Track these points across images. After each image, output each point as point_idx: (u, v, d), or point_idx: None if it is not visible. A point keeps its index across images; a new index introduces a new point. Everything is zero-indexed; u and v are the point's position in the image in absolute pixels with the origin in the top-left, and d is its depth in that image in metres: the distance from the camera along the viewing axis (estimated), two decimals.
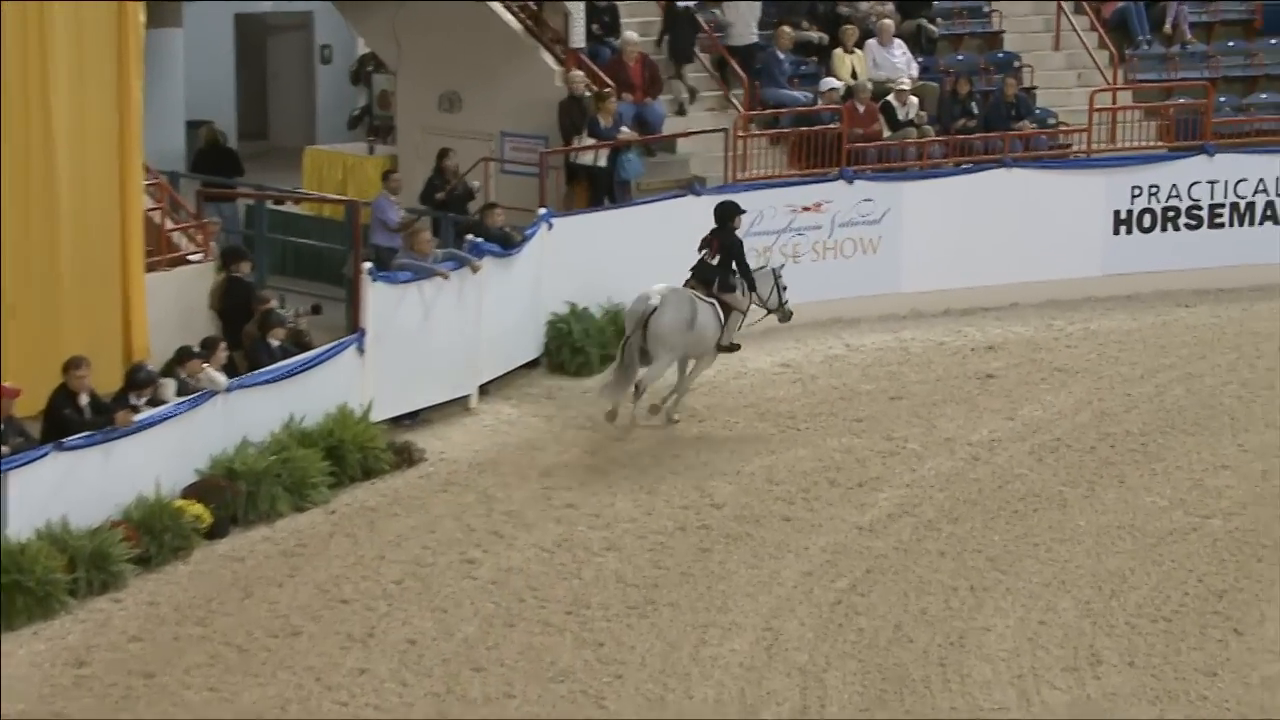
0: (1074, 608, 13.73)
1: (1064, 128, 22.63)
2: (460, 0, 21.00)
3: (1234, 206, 22.04)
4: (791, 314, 17.97)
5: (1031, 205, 21.10)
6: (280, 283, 18.97)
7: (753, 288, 17.61)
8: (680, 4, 21.65)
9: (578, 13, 21.15)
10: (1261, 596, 13.87)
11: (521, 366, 18.60)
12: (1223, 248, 21.89)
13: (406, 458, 16.37)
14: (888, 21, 22.70)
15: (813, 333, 19.81)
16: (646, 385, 17.41)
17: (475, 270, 17.48)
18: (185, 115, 24.14)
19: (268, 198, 20.47)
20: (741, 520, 15.30)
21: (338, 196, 21.16)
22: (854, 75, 22.19)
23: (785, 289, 17.88)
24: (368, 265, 16.80)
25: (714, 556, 14.60)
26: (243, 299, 16.75)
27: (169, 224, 17.83)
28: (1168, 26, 24.21)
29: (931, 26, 23.38)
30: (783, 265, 18.31)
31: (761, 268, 18.02)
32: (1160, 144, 22.65)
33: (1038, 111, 22.74)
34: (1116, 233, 21.73)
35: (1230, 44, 24.49)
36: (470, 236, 17.93)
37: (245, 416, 15.37)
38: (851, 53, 22.37)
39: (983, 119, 22.12)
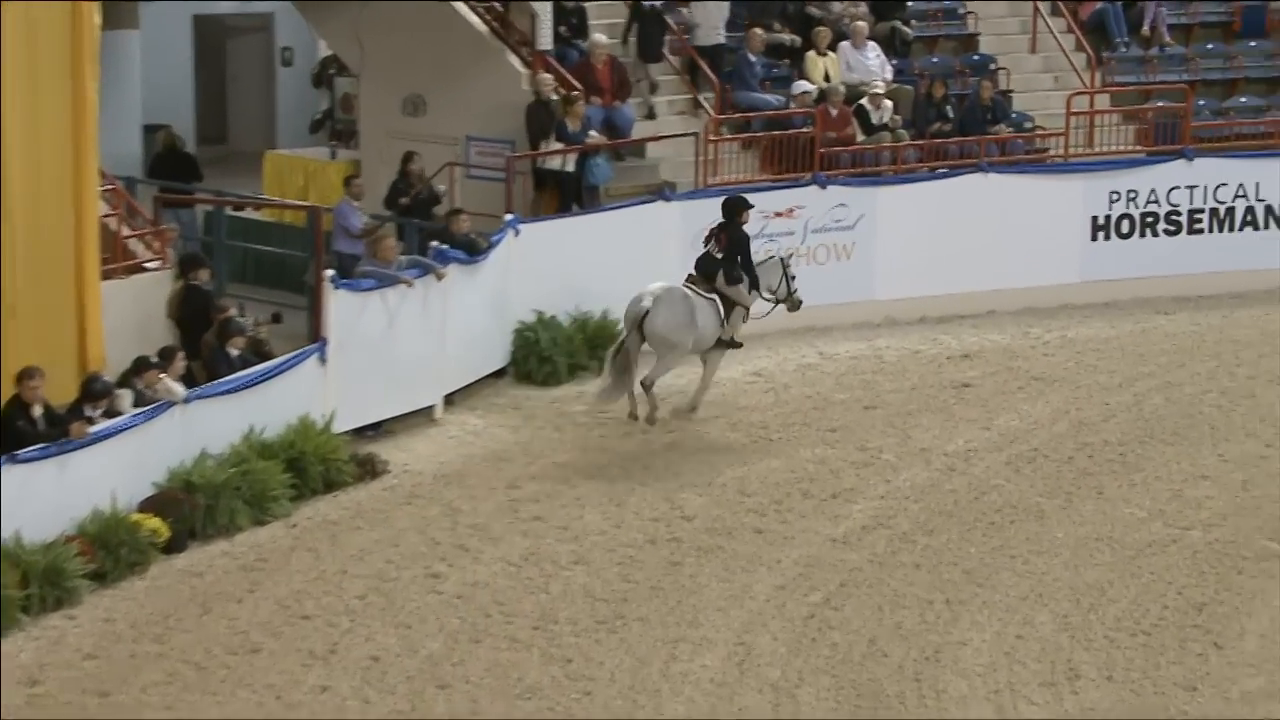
0: (1051, 621, 13.76)
1: (1041, 132, 22.71)
2: (424, 1, 21.00)
3: (1213, 212, 22.13)
4: (801, 302, 18.12)
5: (1008, 211, 21.16)
6: (240, 291, 18.94)
7: (755, 285, 17.72)
8: (646, 3, 21.67)
9: (545, 14, 21.16)
10: (1242, 610, 13.92)
11: (487, 376, 18.58)
12: (1202, 254, 21.97)
13: (369, 470, 16.34)
14: (861, 23, 22.75)
15: (785, 341, 19.82)
16: (654, 380, 17.48)
17: (440, 278, 17.47)
18: (142, 119, 24.07)
19: (227, 203, 20.44)
20: (713, 533, 15.31)
21: (299, 202, 21.13)
22: (827, 78, 22.24)
23: (794, 278, 18.02)
24: (330, 273, 16.77)
25: (684, 570, 14.60)
26: (201, 307, 16.70)
27: (125, 230, 17.77)
28: (1146, 28, 24.32)
29: (906, 28, 23.45)
30: (791, 255, 18.28)
31: (769, 258, 18.15)
32: (1139, 148, 22.73)
33: (1014, 115, 22.81)
34: (1094, 239, 21.81)
35: (1209, 46, 24.62)
36: (435, 243, 17.92)
37: (204, 428, 15.32)
38: (824, 55, 22.42)
39: (958, 123, 22.19)
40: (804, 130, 21.43)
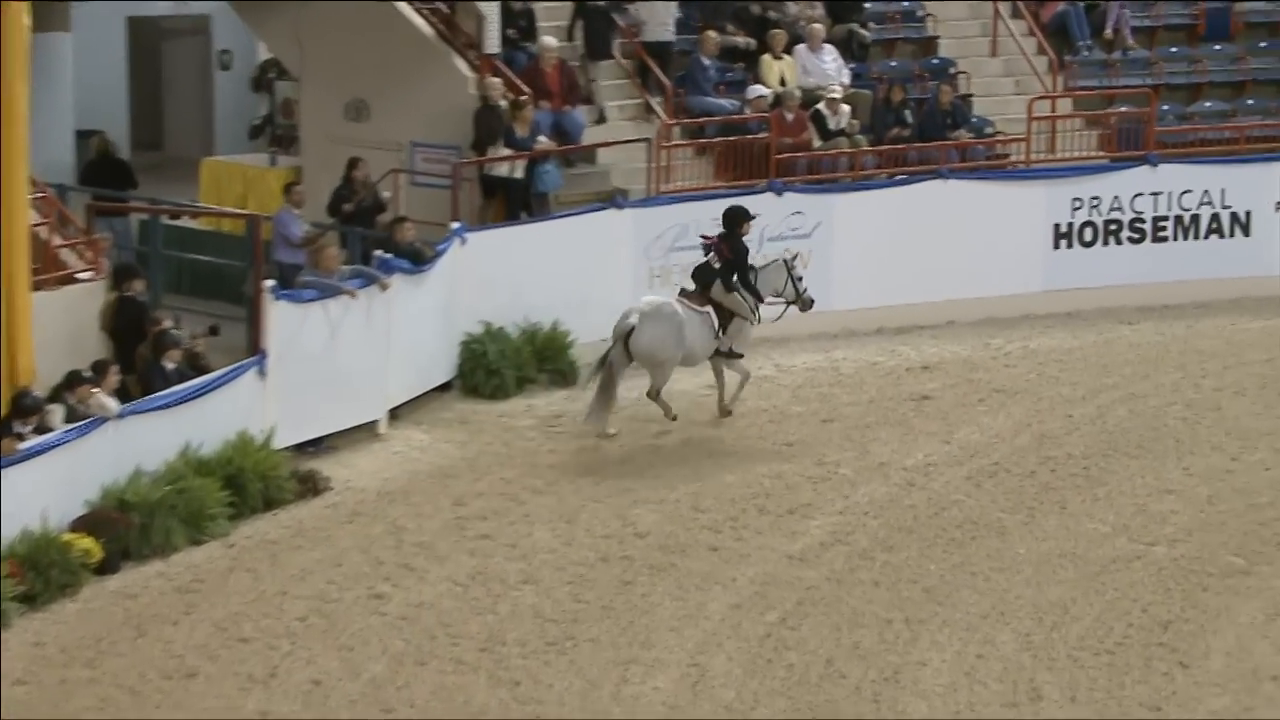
0: (1013, 640, 13.80)
1: (1002, 137, 22.83)
2: (367, 1, 20.96)
3: (1178, 219, 22.29)
4: (813, 301, 18.26)
5: (968, 218, 21.25)
6: (176, 302, 18.86)
7: (757, 296, 17.88)
8: (590, 1, 21.71)
9: (492, 16, 21.16)
10: (1208, 627, 13.99)
11: (433, 390, 18.55)
12: (1167, 262, 22.12)
13: (311, 487, 16.29)
14: (818, 26, 22.83)
15: None
16: (657, 390, 17.70)
17: (384, 288, 17.44)
18: (74, 124, 23.96)
19: (163, 212, 20.34)
20: (666, 550, 15.30)
21: (237, 210, 21.05)
22: (783, 82, 22.31)
23: (801, 278, 18.13)
24: (269, 283, 16.72)
25: (637, 589, 14.60)
26: (136, 319, 16.62)
27: (56, 240, 17.69)
28: (1108, 31, 24.48)
29: (863, 31, 23.54)
30: (795, 256, 18.40)
31: (773, 260, 18.25)
32: (1101, 154, 22.88)
33: (974, 120, 22.92)
34: (1056, 247, 21.93)
35: (1173, 50, 24.80)
36: (379, 252, 17.88)
37: (138, 444, 15.24)
38: (780, 59, 22.49)
39: (917, 128, 22.27)
40: (759, 136, 21.49)
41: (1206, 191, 22.30)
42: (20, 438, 14.40)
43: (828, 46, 22.79)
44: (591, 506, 16.16)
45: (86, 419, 14.94)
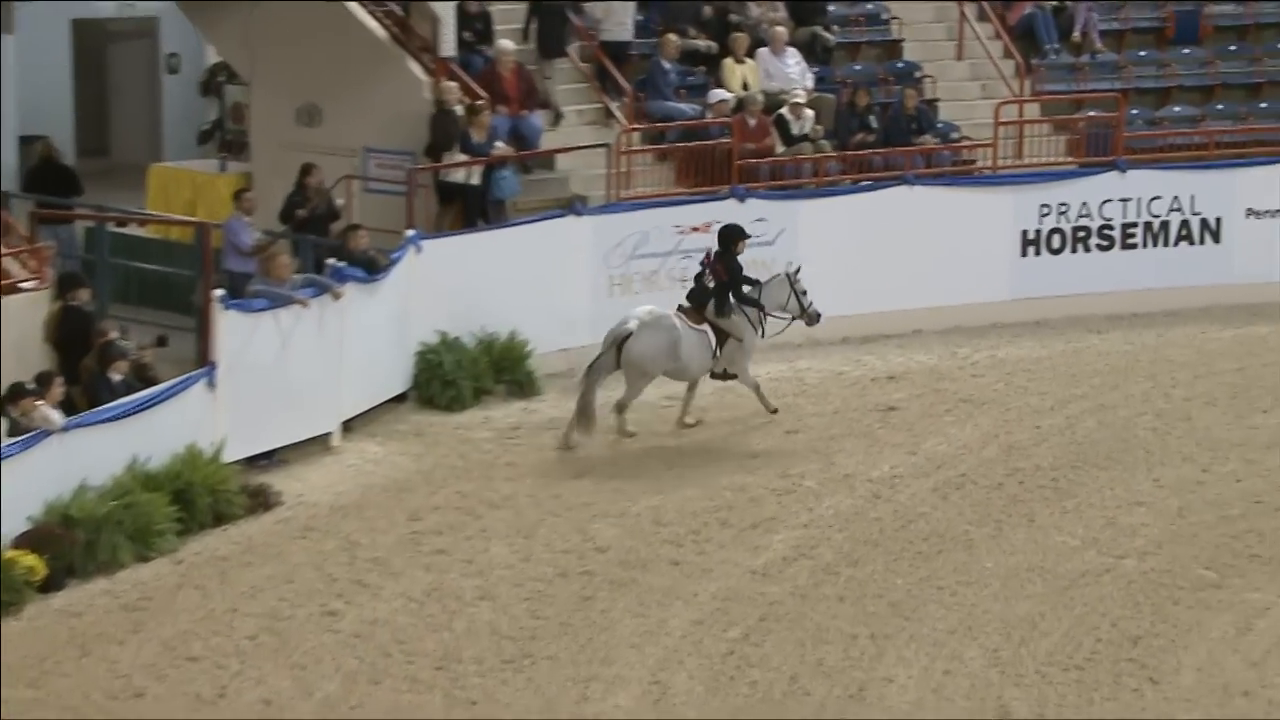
0: (981, 656, 13.83)
1: (968, 142, 22.90)
2: (319, 2, 20.93)
3: (1148, 226, 22.39)
4: (819, 315, 18.42)
5: (934, 225, 21.32)
6: (123, 312, 18.78)
7: (760, 309, 18.03)
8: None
9: (448, 19, 21.15)
10: (1178, 642, 14.04)
11: (388, 401, 18.52)
12: (1136, 270, 22.22)
13: (262, 501, 16.24)
14: (780, 29, 22.87)
15: None
16: (625, 404, 17.86)
17: (337, 297, 17.40)
18: (17, 129, 23.84)
19: (109, 219, 20.29)
20: (626, 565, 15.30)
21: (186, 218, 20.99)
22: (745, 86, 22.34)
23: (805, 292, 18.28)
24: (219, 292, 16.67)
25: (596, 605, 14.58)
26: (81, 330, 16.55)
27: None
28: (1076, 34, 24.58)
29: (827, 34, 23.59)
30: (798, 269, 18.47)
31: (776, 275, 18.39)
32: (1070, 159, 22.97)
33: (940, 125, 22.99)
34: (1024, 254, 22.01)
35: (1142, 53, 24.93)
36: (332, 261, 17.84)
37: (84, 458, 15.16)
38: (742, 62, 22.52)
39: (882, 133, 22.33)
40: (721, 141, 21.51)
41: (1176, 198, 22.41)
42: None
43: (791, 50, 22.83)
44: (550, 521, 16.14)
45: (30, 432, 14.85)
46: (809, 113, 22.12)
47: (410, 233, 18.99)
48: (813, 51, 23.26)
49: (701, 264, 18.22)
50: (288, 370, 16.99)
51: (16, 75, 23.97)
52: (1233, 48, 25.13)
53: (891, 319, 21.04)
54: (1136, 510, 16.50)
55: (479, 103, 20.60)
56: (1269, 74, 24.83)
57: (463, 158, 20.31)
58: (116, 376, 15.96)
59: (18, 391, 15.12)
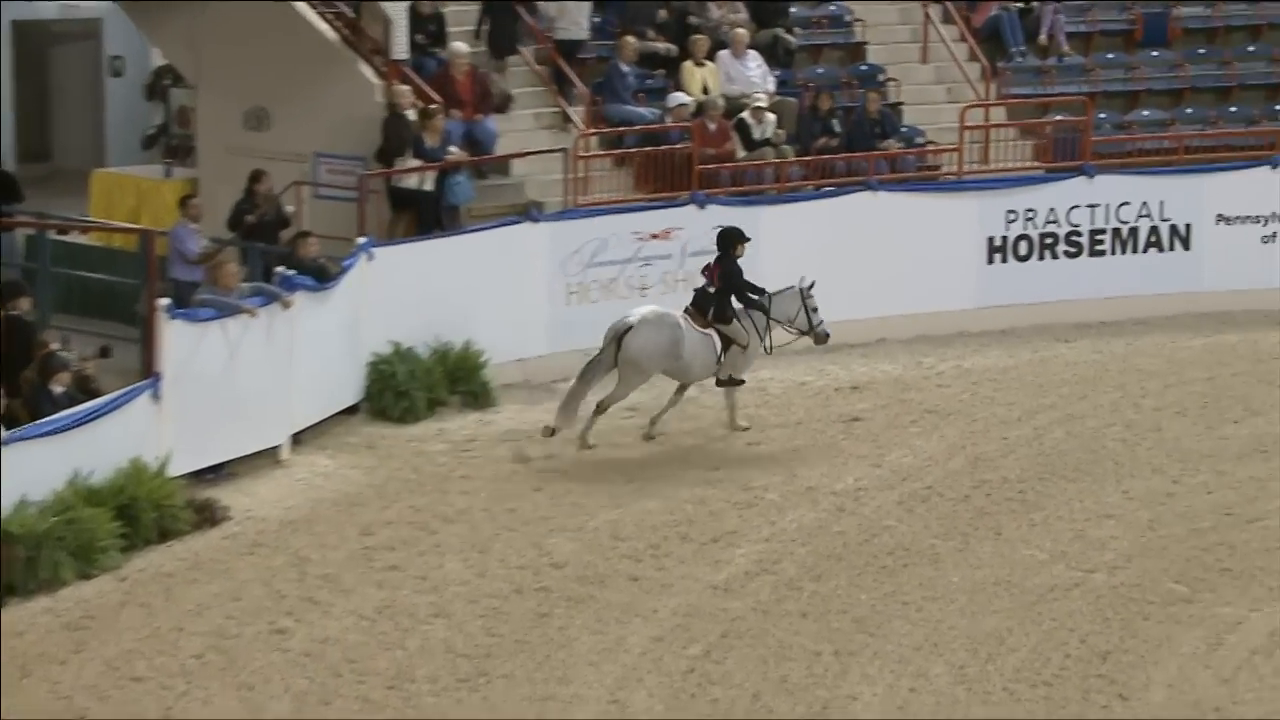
0: (947, 673, 13.85)
1: (933, 147, 22.98)
2: (268, 2, 20.88)
3: (1116, 232, 22.48)
4: (828, 335, 18.56)
5: (899, 232, 21.37)
6: (65, 322, 18.72)
7: (765, 313, 18.16)
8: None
9: (400, 20, 21.13)
10: (1148, 658, 14.08)
11: (339, 413, 18.48)
12: (1105, 277, 22.31)
13: (208, 517, 16.17)
14: (741, 31, 22.92)
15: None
16: (609, 405, 17.99)
17: (286, 306, 17.35)
18: None
19: (51, 226, 20.21)
20: (584, 581, 15.28)
21: (130, 225, 20.93)
22: (705, 90, 22.38)
23: (816, 310, 18.38)
24: (164, 301, 16.60)
25: (553, 622, 14.57)
26: (22, 340, 16.46)
27: None
28: (1043, 37, 24.70)
29: (789, 37, 23.65)
30: (811, 285, 18.54)
31: (788, 288, 18.44)
32: (1036, 164, 23.06)
33: (904, 129, 23.06)
34: (990, 261, 22.07)
35: (1109, 56, 25.06)
36: (281, 268, 17.80)
37: (24, 473, 15.05)
38: (702, 65, 22.56)
39: (845, 138, 22.38)
40: (680, 146, 21.55)
41: (1145, 203, 22.50)
42: None
43: (752, 52, 22.88)
44: (506, 535, 16.11)
45: None
46: (770, 117, 22.17)
47: (362, 240, 18.94)
48: (774, 54, 23.32)
49: (703, 272, 18.35)
50: (235, 381, 16.93)
51: None
52: (1202, 50, 25.28)
53: (855, 328, 21.04)
54: (1105, 523, 16.55)
55: (432, 106, 20.59)
56: (1239, 77, 24.99)
57: (416, 163, 20.30)
58: (58, 388, 15.88)
59: None
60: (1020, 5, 24.72)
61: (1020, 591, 15.16)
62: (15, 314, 16.76)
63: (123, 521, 15.48)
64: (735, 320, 18.18)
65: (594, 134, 21.63)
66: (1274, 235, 22.83)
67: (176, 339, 16.46)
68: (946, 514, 16.73)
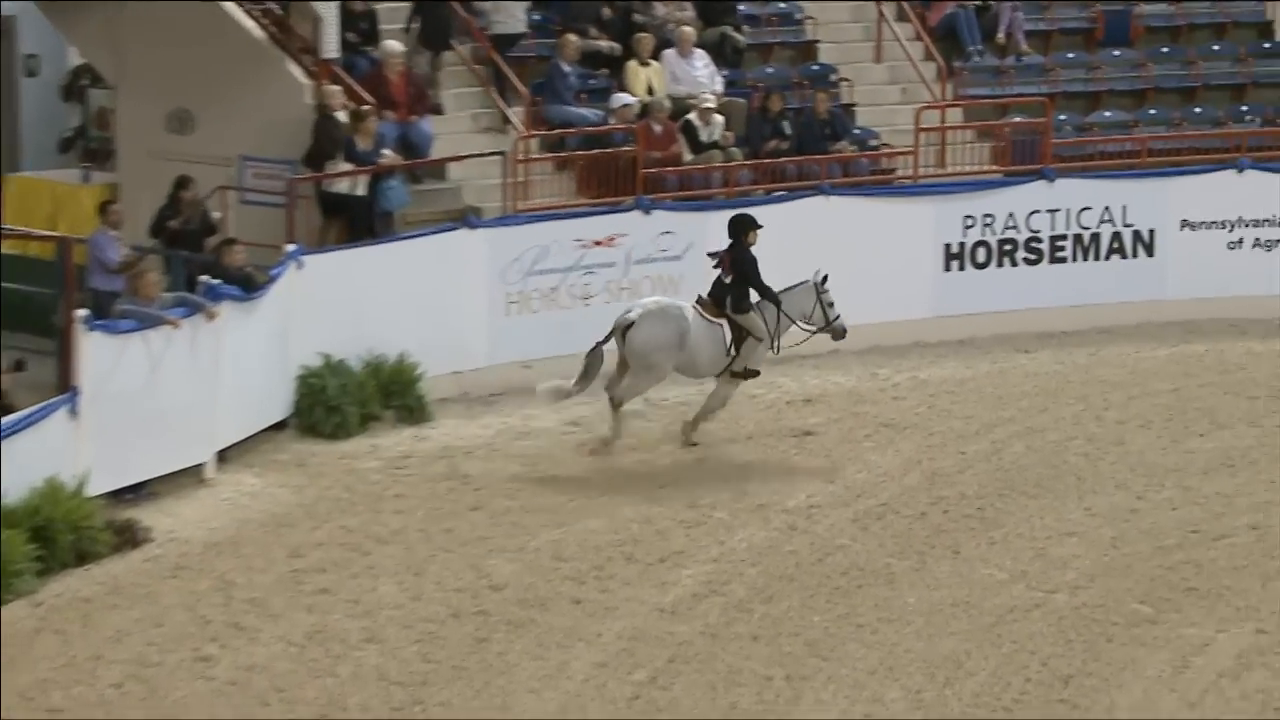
0: (903, 698, 13.87)
1: (887, 150, 23.04)
2: (191, 1, 20.79)
3: (1077, 238, 22.58)
4: (845, 330, 18.70)
5: (852, 238, 21.39)
6: None
7: (776, 304, 18.29)
8: None
9: (330, 18, 21.08)
10: (1111, 681, 14.13)
11: (266, 429, 18.42)
12: (1066, 285, 22.40)
13: (129, 539, 16.08)
14: (688, 29, 22.93)
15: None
16: (623, 400, 18.26)
17: (211, 317, 17.28)
18: None
19: None
20: (524, 604, 15.25)
21: (46, 232, 20.76)
22: (650, 91, 22.38)
23: (832, 304, 18.51)
24: (82, 313, 16.51)
25: (492, 647, 14.53)
26: None
27: None
28: (1001, 35, 24.79)
29: (737, 35, 23.68)
30: (825, 278, 18.60)
31: (802, 282, 18.55)
32: (995, 168, 23.14)
33: (857, 131, 23.11)
34: (948, 269, 22.14)
35: (1070, 55, 25.17)
36: (205, 278, 17.72)
37: None
38: (647, 65, 22.57)
39: (796, 140, 22.41)
40: (625, 149, 21.54)
41: (1107, 208, 22.61)
42: None
43: (699, 51, 22.89)
44: (442, 557, 16.07)
45: None
46: (718, 118, 22.18)
47: (290, 247, 18.89)
48: (722, 53, 23.33)
49: (716, 263, 18.45)
50: (157, 396, 16.84)
51: None
52: (1165, 50, 25.42)
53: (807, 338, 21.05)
54: (1067, 541, 16.60)
55: (364, 108, 20.53)
56: (1203, 77, 25.13)
57: (347, 167, 20.24)
58: None
59: None
60: (977, 3, 24.81)
61: (979, 613, 15.19)
62: None
63: (38, 544, 15.37)
64: (752, 312, 18.31)
65: (534, 136, 21.60)
66: (1240, 241, 22.98)
67: (95, 352, 16.36)
68: (902, 532, 16.75)
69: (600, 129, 21.91)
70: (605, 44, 22.88)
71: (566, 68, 22.27)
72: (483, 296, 20.02)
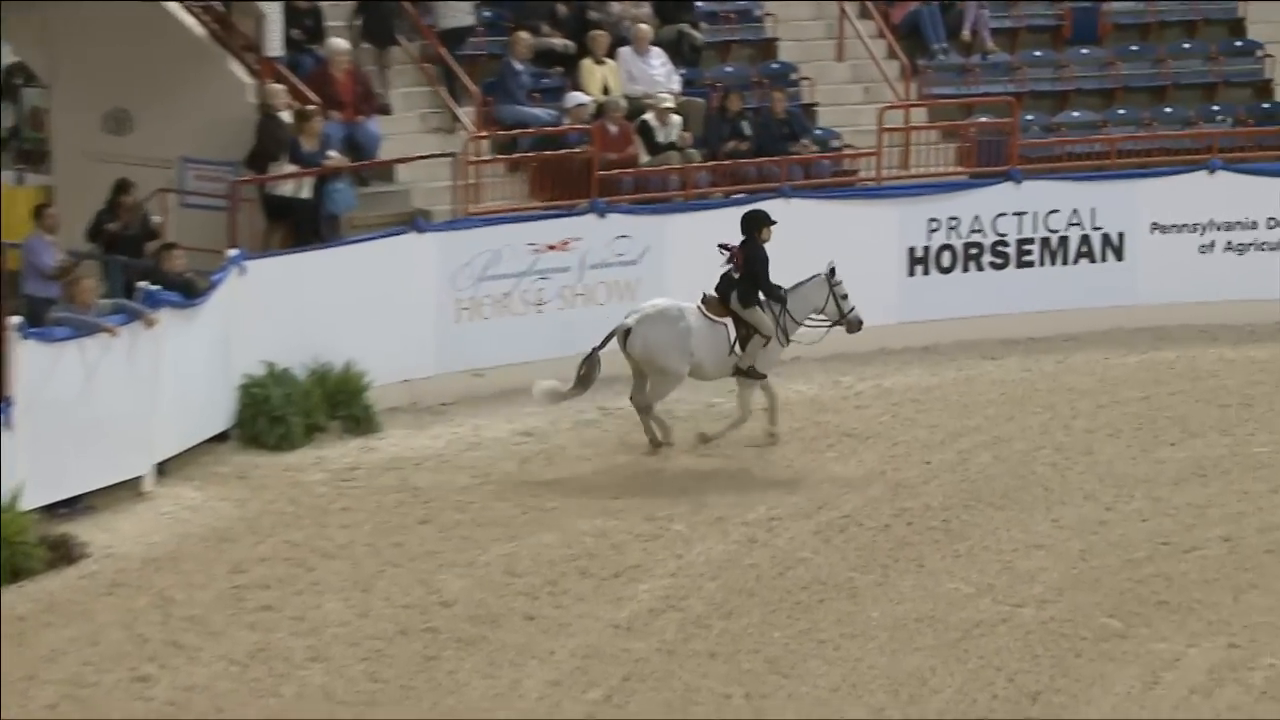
0: (866, 715, 13.88)
1: (849, 151, 23.08)
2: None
3: (1045, 242, 22.66)
4: (861, 322, 18.89)
5: (813, 241, 21.26)
6: None
7: (782, 303, 18.58)
8: None
9: (274, 15, 21.01)
10: (1080, 698, 14.16)
11: (208, 440, 18.38)
12: (1033, 290, 22.47)
13: (64, 554, 16.02)
14: (644, 27, 22.95)
15: None
16: (649, 404, 18.66)
17: (150, 325, 17.23)
18: None
19: None
20: (476, 621, 15.23)
21: None
22: (605, 90, 22.39)
23: (845, 296, 18.78)
24: (16, 320, 16.44)
25: (442, 665, 14.51)
26: None
27: None
28: (966, 33, 24.86)
29: (695, 33, 23.70)
30: (832, 268, 18.86)
31: (814, 276, 18.79)
32: (960, 169, 23.20)
33: (819, 132, 23.14)
34: (912, 273, 22.19)
35: (1037, 53, 25.26)
36: (144, 283, 17.67)
37: None
38: (602, 63, 22.57)
39: (756, 141, 22.43)
40: (579, 150, 21.52)
41: (1075, 211, 22.70)
42: None
43: (655, 49, 22.91)
44: (390, 572, 16.03)
45: None
46: (676, 118, 22.20)
47: (233, 252, 18.86)
48: (679, 51, 23.35)
49: (727, 258, 18.65)
50: (94, 407, 16.77)
51: None
52: (1134, 48, 25.53)
53: None
54: (1035, 553, 16.64)
55: (309, 107, 20.48)
56: (1173, 76, 25.25)
57: (292, 168, 20.18)
58: None
59: None
60: (942, 0, 24.87)
61: (944, 628, 15.21)
62: None
63: None
64: (758, 307, 18.47)
65: (485, 137, 21.58)
66: (1212, 245, 23.08)
67: (29, 361, 16.29)
68: (865, 545, 16.77)
69: (554, 130, 21.90)
70: (559, 41, 22.87)
71: (519, 66, 22.26)
72: (432, 302, 20.00)
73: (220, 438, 18.56)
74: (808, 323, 18.92)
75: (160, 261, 18.40)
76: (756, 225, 18.72)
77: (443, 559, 16.32)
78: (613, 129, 21.86)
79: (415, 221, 20.29)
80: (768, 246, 18.72)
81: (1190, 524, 17.28)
